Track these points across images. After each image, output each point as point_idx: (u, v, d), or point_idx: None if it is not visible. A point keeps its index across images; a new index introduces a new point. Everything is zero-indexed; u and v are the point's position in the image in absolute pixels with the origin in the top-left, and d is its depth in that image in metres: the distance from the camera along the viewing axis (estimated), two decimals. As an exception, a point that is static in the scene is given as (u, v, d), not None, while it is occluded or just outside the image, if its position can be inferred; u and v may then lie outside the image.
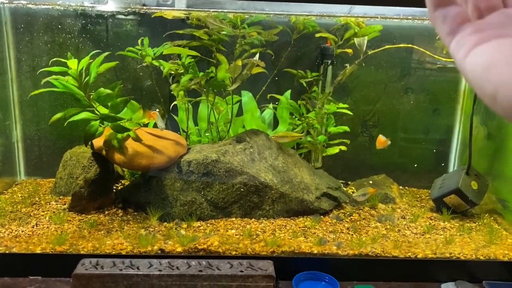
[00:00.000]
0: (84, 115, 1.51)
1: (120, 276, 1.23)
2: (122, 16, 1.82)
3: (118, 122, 1.49)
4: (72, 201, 1.64)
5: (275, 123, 2.00)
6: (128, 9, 1.69)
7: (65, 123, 1.46)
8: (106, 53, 1.50)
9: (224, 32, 1.56)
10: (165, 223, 1.56)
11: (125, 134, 1.53)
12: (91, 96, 1.48)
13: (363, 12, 1.64)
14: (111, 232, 1.50)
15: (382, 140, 1.69)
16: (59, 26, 1.82)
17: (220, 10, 1.50)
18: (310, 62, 1.96)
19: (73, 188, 1.64)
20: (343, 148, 1.91)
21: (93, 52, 1.51)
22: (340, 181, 1.97)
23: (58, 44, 1.83)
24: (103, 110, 1.54)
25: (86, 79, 1.46)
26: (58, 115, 1.47)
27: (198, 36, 1.56)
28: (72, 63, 1.48)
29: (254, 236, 1.49)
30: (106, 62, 1.51)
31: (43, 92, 1.48)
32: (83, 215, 1.61)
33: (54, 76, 1.45)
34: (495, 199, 1.79)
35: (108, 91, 1.47)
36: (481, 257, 1.45)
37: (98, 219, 1.59)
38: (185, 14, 1.49)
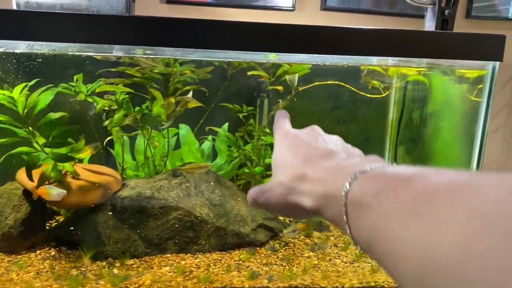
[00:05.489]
0: (21, 149, 1.50)
1: (45, 323, 1.21)
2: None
3: (61, 151, 1.50)
4: (1, 241, 1.59)
5: (215, 154, 2.04)
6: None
7: (1, 159, 1.45)
8: (49, 86, 1.51)
9: (156, 71, 1.59)
10: (98, 261, 1.55)
11: (66, 167, 1.52)
12: (30, 128, 1.49)
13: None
14: (41, 273, 1.47)
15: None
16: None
17: (158, 57, 1.53)
18: (247, 95, 2.02)
19: (2, 228, 1.59)
20: (280, 178, 1.97)
21: (33, 81, 1.52)
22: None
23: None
24: (42, 141, 1.53)
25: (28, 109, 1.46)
26: None
27: (131, 74, 1.58)
28: (16, 91, 1.47)
29: (188, 273, 1.51)
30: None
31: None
32: (13, 255, 1.57)
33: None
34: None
35: (58, 114, 1.48)
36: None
37: (29, 259, 1.55)
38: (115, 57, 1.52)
